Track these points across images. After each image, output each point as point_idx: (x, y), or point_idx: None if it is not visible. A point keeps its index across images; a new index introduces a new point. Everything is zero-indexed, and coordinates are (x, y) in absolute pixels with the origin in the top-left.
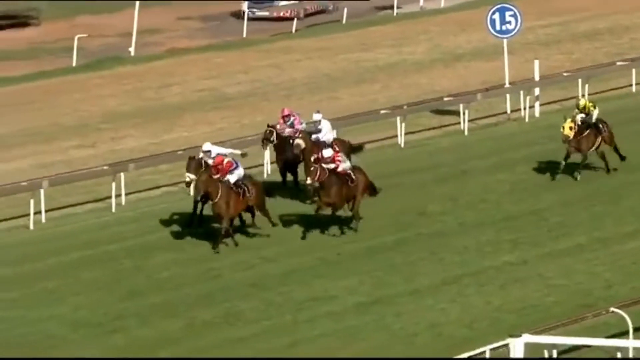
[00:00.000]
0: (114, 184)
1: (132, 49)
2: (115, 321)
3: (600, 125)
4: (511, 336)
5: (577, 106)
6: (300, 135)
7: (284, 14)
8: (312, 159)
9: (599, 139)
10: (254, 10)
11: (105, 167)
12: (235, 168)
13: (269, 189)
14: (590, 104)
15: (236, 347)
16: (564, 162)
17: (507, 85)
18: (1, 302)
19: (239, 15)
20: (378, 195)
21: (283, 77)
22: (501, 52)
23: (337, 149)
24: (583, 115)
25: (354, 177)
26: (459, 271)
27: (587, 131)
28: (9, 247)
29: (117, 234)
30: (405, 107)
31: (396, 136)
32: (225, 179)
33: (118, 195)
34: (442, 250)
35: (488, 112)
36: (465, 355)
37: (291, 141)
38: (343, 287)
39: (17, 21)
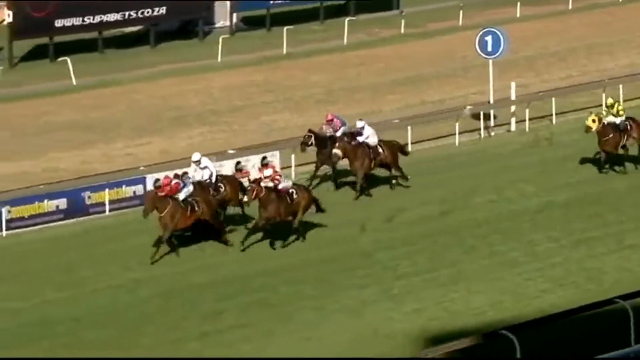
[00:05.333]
0: None
1: None
2: None
3: (627, 124)
4: None
5: (606, 104)
6: (338, 145)
7: None
8: (253, 179)
9: (625, 137)
10: None
11: None
12: (184, 187)
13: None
14: (620, 107)
15: None
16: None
17: None
18: None
19: None
20: None
21: None
22: None
23: (380, 150)
24: (612, 117)
25: (295, 195)
26: None
27: (612, 134)
28: None
29: None
30: None
31: None
32: (176, 196)
33: None
34: None
35: None
36: None
37: (329, 142)
38: None
39: None
